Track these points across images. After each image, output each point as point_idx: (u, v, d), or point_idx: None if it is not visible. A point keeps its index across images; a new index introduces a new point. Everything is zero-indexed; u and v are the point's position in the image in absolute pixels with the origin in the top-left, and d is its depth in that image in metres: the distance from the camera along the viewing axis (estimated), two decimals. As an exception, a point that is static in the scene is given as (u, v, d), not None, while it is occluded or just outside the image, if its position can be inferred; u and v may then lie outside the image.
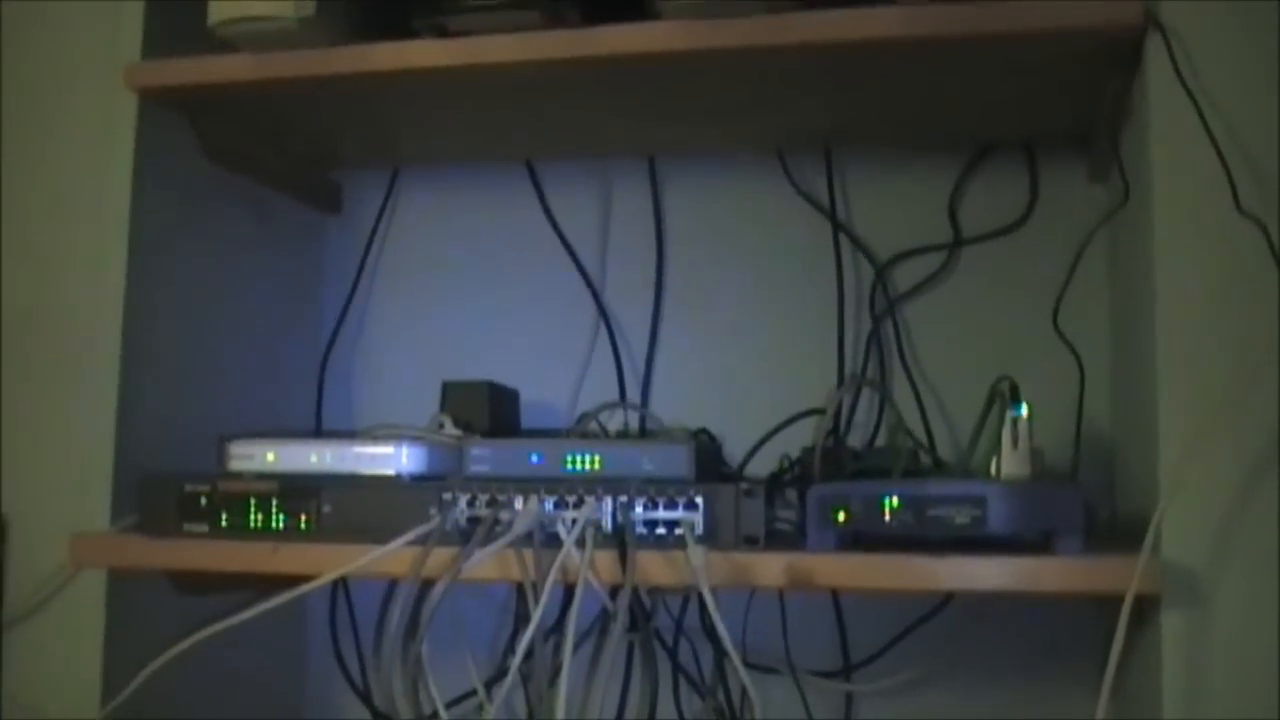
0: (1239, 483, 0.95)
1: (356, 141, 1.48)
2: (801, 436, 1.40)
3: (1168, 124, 0.99)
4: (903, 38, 1.04)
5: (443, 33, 1.15)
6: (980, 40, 1.04)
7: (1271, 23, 1.00)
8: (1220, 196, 0.96)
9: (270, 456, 1.15)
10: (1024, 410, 1.10)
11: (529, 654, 1.00)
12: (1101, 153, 1.28)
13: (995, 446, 1.10)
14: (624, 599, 0.98)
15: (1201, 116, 0.97)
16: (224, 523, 1.12)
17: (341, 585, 1.52)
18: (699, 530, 1.02)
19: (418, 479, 1.12)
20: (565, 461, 1.10)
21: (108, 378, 1.21)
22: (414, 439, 1.15)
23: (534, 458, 1.11)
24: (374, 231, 1.60)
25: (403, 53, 1.16)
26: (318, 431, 1.56)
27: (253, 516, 1.12)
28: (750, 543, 1.02)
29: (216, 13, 1.16)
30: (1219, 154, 0.96)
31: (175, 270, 1.29)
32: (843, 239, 1.46)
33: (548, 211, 1.54)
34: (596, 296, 1.53)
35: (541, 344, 1.54)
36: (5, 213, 1.28)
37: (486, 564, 1.02)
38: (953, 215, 1.44)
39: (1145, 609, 0.97)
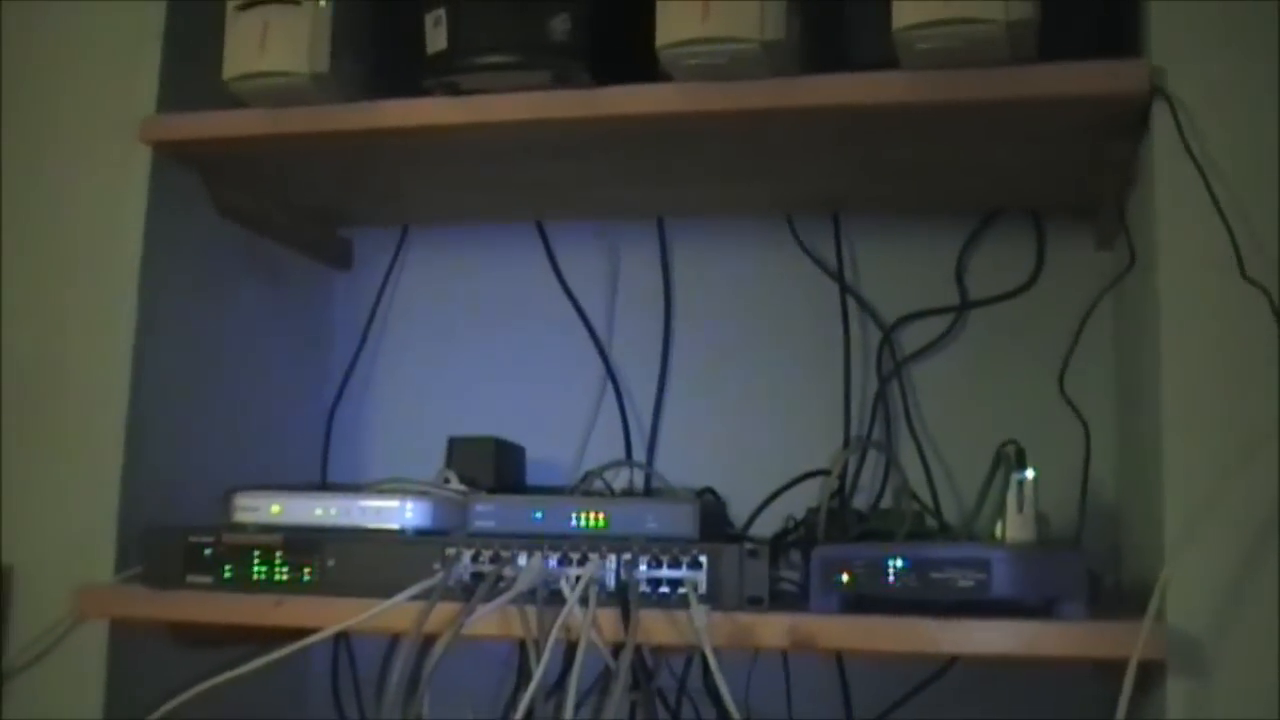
0: (1244, 550, 0.95)
1: (367, 198, 1.49)
2: (807, 497, 1.39)
3: (1173, 191, 1.00)
4: (911, 103, 1.05)
5: (454, 91, 1.16)
6: (988, 106, 1.05)
7: (1275, 91, 1.00)
8: (1225, 263, 0.97)
9: (275, 509, 1.15)
10: (1029, 474, 1.10)
11: (530, 712, 0.99)
12: (1108, 219, 1.28)
13: (1000, 510, 1.10)
14: (626, 658, 0.97)
15: (1207, 184, 0.98)
16: (228, 575, 1.12)
17: (343, 639, 1.52)
18: (702, 590, 1.02)
19: (422, 534, 1.12)
20: (570, 519, 1.10)
21: (114, 429, 1.21)
22: (419, 494, 1.15)
23: (538, 515, 1.11)
24: (383, 288, 1.61)
25: (414, 110, 1.17)
26: (323, 485, 1.56)
27: (256, 569, 1.12)
28: (754, 603, 1.02)
29: (231, 67, 1.18)
30: (1224, 221, 0.97)
31: (184, 324, 1.30)
32: (850, 301, 1.47)
33: (556, 270, 1.55)
34: (604, 355, 1.53)
35: (548, 401, 1.54)
36: (18, 262, 1.29)
37: (489, 620, 1.01)
38: (959, 279, 1.45)
39: (1149, 675, 0.96)
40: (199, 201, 1.33)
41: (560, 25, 1.10)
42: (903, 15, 0.99)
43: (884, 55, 1.04)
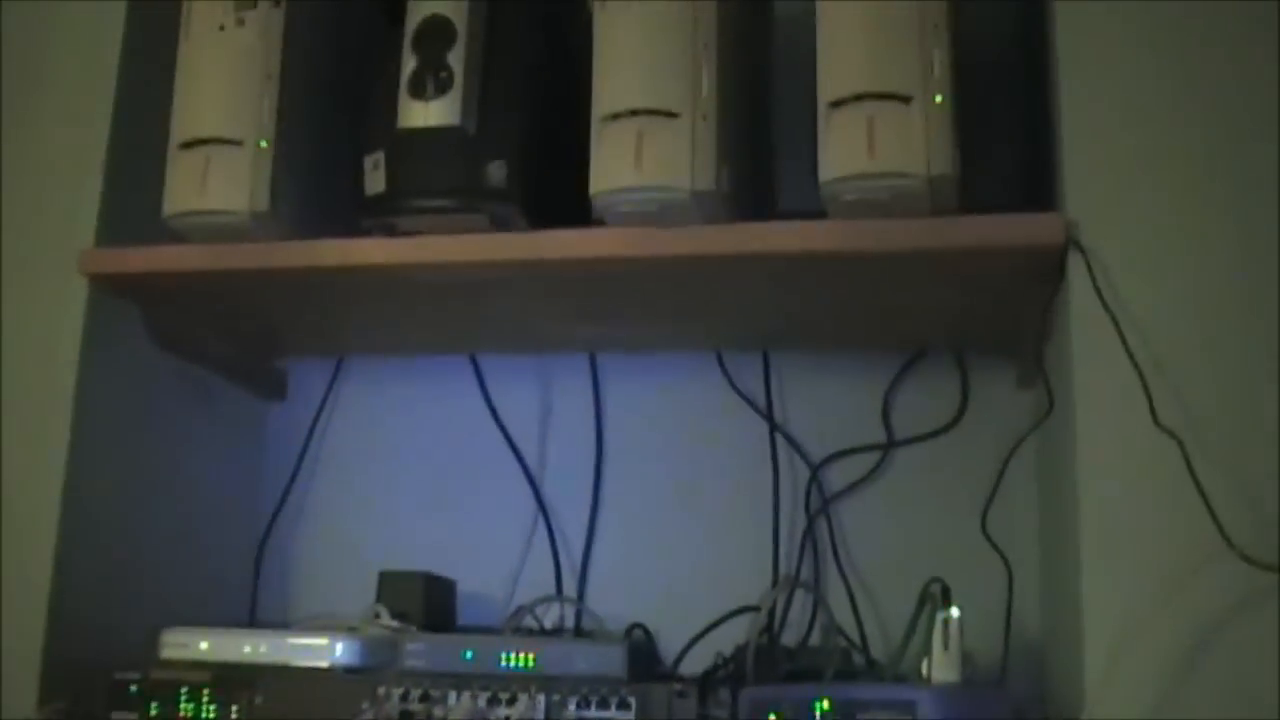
0: (1161, 691, 0.97)
1: (303, 331, 1.51)
2: (736, 632, 1.40)
3: (1088, 339, 1.04)
4: (837, 251, 1.09)
5: (392, 232, 1.18)
6: (910, 255, 1.08)
7: (1190, 243, 1.05)
8: (1139, 409, 1.00)
9: (204, 645, 1.15)
10: (954, 613, 1.11)
11: None
12: (1029, 361, 1.32)
13: (926, 648, 1.11)
14: (555, 799, 0.98)
15: (1120, 333, 1.01)
16: (154, 712, 1.12)
17: (269, 777, 1.50)
18: (632, 730, 1.03)
19: (351, 671, 1.12)
20: (500, 659, 1.11)
21: (41, 560, 1.21)
22: (348, 632, 1.15)
23: (468, 654, 1.11)
24: (316, 419, 1.62)
25: (353, 249, 1.20)
26: (252, 619, 1.55)
27: (184, 706, 1.11)
28: (683, 743, 1.02)
29: (172, 204, 1.20)
30: (1137, 370, 1.00)
31: (116, 455, 1.30)
32: (779, 438, 1.49)
33: (489, 403, 1.56)
34: (536, 489, 1.54)
35: (480, 535, 1.55)
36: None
37: (418, 760, 1.01)
38: (886, 417, 1.47)
39: (1072, 816, 0.98)
40: (134, 331, 1.34)
41: (496, 171, 1.13)
42: (829, 168, 1.03)
43: (812, 205, 1.07)
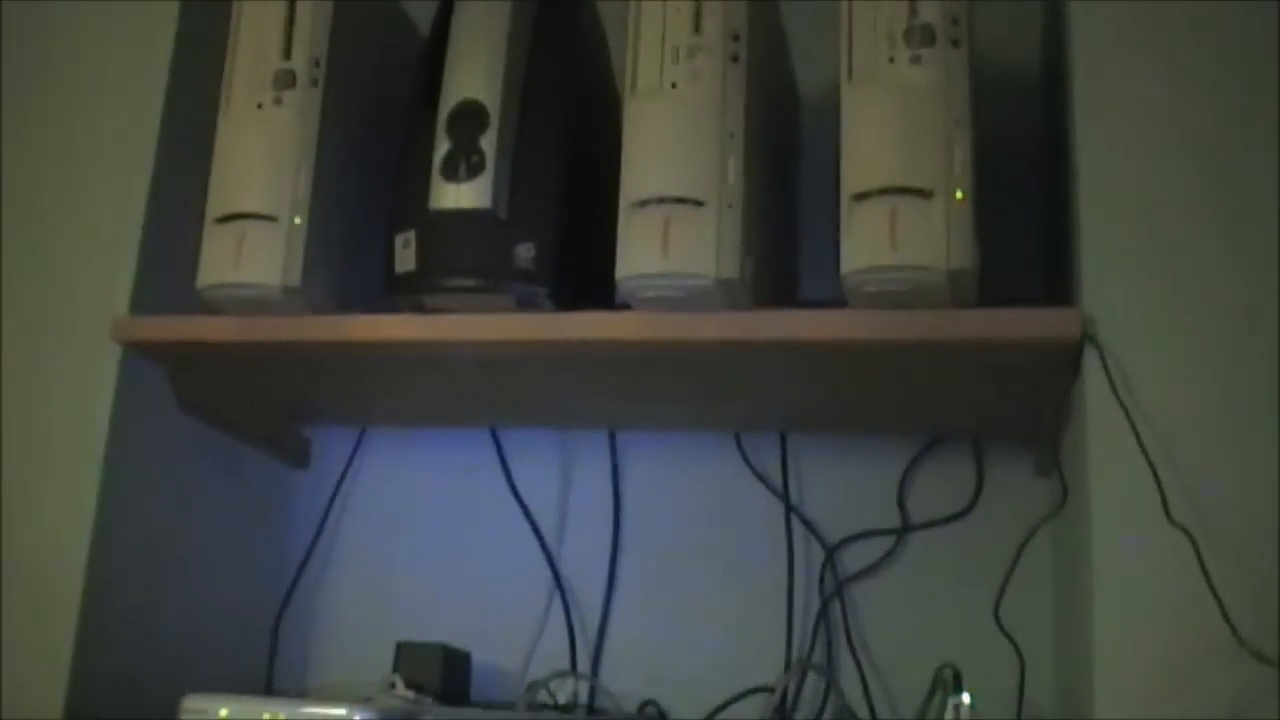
0: (1172, 785, 0.98)
1: (328, 400, 1.53)
2: (749, 711, 1.41)
3: (1103, 433, 1.05)
4: (857, 340, 1.11)
5: (420, 309, 1.20)
6: (929, 346, 1.10)
7: (1205, 339, 1.06)
8: (1153, 504, 1.01)
9: (223, 712, 1.15)
10: (965, 699, 1.12)
11: None
12: (1045, 451, 1.33)
13: (938, 733, 1.12)
14: None
15: (1134, 428, 1.03)
16: (170, 779, 1.12)
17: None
18: (643, 809, 1.03)
19: (368, 742, 1.13)
20: (515, 735, 1.12)
21: (66, 622, 1.22)
22: (365, 702, 1.16)
23: (484, 730, 1.12)
24: (338, 487, 1.63)
25: (382, 325, 1.22)
26: (269, 686, 1.56)
27: (201, 772, 1.12)
28: (693, 824, 1.03)
29: (206, 276, 1.22)
30: (1150, 465, 1.01)
31: (142, 519, 1.32)
32: (795, 520, 1.50)
33: (509, 477, 1.58)
34: (553, 564, 1.56)
35: (496, 607, 1.56)
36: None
37: (431, 834, 1.02)
38: (901, 501, 1.49)
39: None
40: (163, 397, 1.36)
41: (524, 253, 1.16)
42: (851, 260, 1.05)
43: (833, 294, 1.09)
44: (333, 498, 1.63)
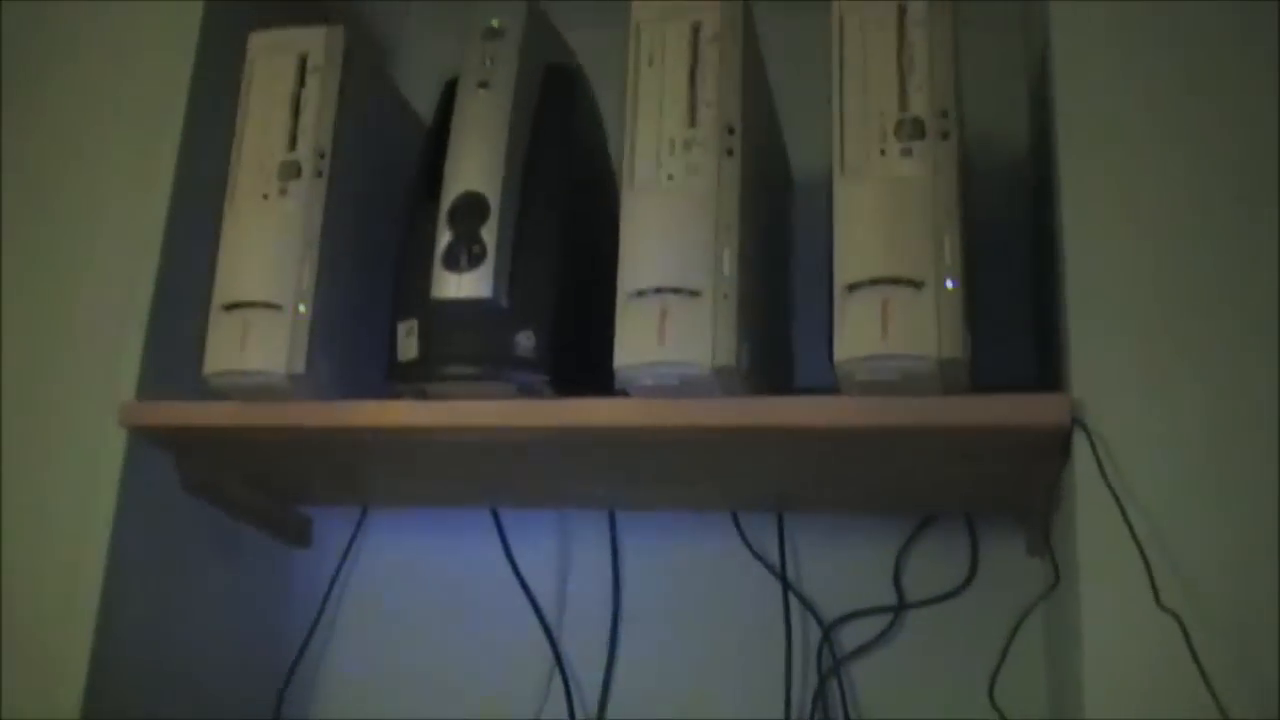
0: None
1: (330, 482, 1.54)
2: (747, 791, 1.42)
3: (1092, 516, 1.06)
4: (854, 427, 1.13)
5: (422, 396, 1.22)
6: (921, 431, 1.12)
7: (1193, 424, 1.08)
8: (1142, 587, 1.02)
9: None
10: (962, 780, 1.13)
11: None
12: (1037, 531, 1.35)
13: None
14: None
15: (1123, 513, 1.04)
16: None
17: None
18: None
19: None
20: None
21: (70, 704, 1.23)
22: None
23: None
24: (339, 567, 1.64)
25: (385, 411, 1.23)
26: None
27: None
28: None
29: (212, 364, 1.23)
30: (1140, 549, 1.03)
31: (145, 601, 1.34)
32: (792, 598, 1.52)
33: (509, 556, 1.59)
34: (553, 642, 1.57)
35: (497, 686, 1.57)
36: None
37: None
38: (897, 579, 1.50)
39: None
40: (167, 479, 1.38)
41: (525, 341, 1.18)
42: (844, 348, 1.07)
43: (827, 380, 1.11)
44: (334, 577, 1.64)
